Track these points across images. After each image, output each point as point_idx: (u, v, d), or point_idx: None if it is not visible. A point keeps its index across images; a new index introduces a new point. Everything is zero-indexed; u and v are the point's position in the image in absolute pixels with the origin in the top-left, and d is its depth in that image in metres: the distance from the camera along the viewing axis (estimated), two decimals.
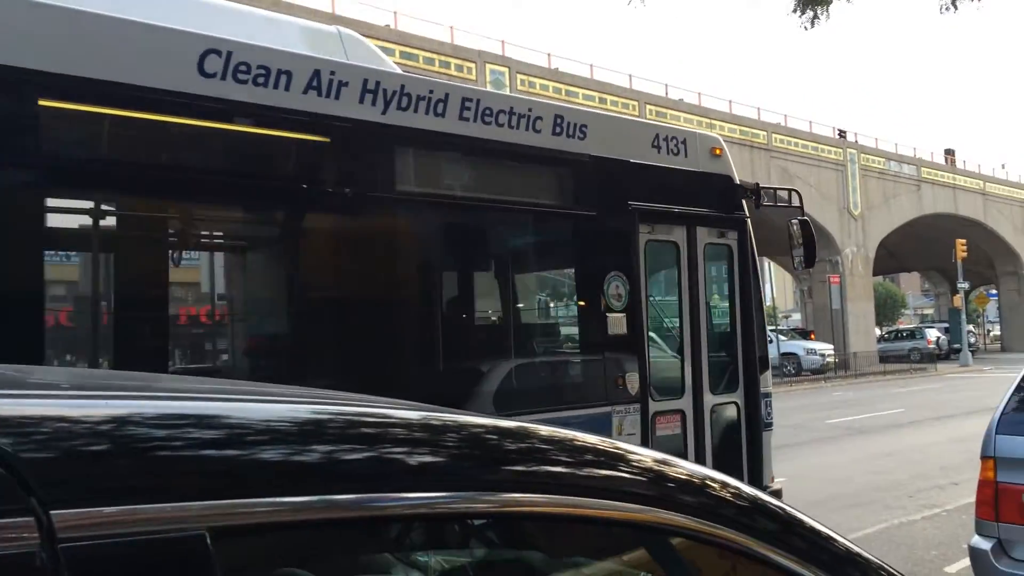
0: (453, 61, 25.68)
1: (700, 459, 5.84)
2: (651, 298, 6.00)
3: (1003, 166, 51.65)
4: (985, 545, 4.39)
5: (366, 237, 4.76)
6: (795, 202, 6.63)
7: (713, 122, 33.38)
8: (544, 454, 1.27)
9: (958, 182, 46.38)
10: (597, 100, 29.35)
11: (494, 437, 1.24)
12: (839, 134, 40.84)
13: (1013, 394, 4.64)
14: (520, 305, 5.82)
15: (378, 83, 4.57)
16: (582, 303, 5.78)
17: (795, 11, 8.28)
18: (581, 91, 28.92)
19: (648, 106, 31.12)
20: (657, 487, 1.30)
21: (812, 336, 39.21)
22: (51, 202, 3.94)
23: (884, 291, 68.38)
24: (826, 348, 35.73)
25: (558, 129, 5.36)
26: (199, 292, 4.86)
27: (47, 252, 3.84)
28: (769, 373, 6.71)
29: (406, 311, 4.99)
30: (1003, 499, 4.35)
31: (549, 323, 5.97)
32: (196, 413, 1.04)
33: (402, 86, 4.67)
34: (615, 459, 1.31)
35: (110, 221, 4.43)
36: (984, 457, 4.47)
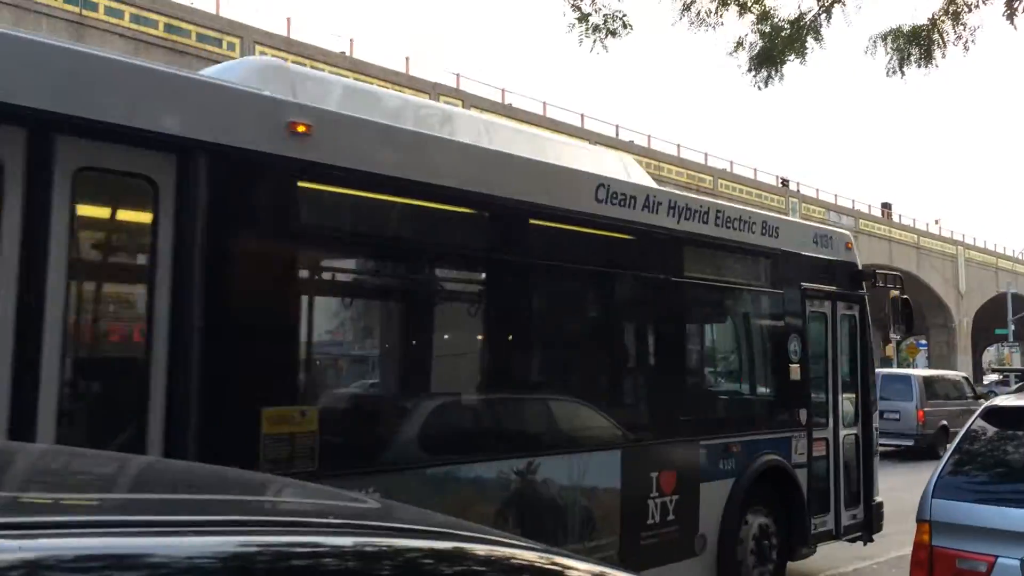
0: (408, 92, 25.67)
1: (837, 473, 7.86)
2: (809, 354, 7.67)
3: (936, 222, 53.34)
4: None
5: (676, 306, 6.74)
6: (897, 284, 8.74)
7: (661, 165, 33.93)
8: None
9: (893, 235, 47.82)
10: None
11: (430, 562, 1.18)
12: (782, 183, 41.84)
13: (950, 456, 4.72)
14: (742, 355, 7.76)
15: (675, 202, 6.60)
16: (773, 356, 7.55)
17: (749, 71, 8.48)
18: (533, 128, 29.17)
19: (599, 146, 31.53)
20: None
21: None
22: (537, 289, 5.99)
23: None
24: None
25: (764, 231, 7.36)
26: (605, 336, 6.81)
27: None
28: (874, 412, 8.57)
29: (697, 355, 7.19)
30: (937, 563, 4.40)
31: (757, 369, 7.80)
32: (111, 553, 0.95)
33: (687, 204, 6.68)
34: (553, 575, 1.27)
35: (566, 297, 6.40)
36: (920, 520, 4.52)
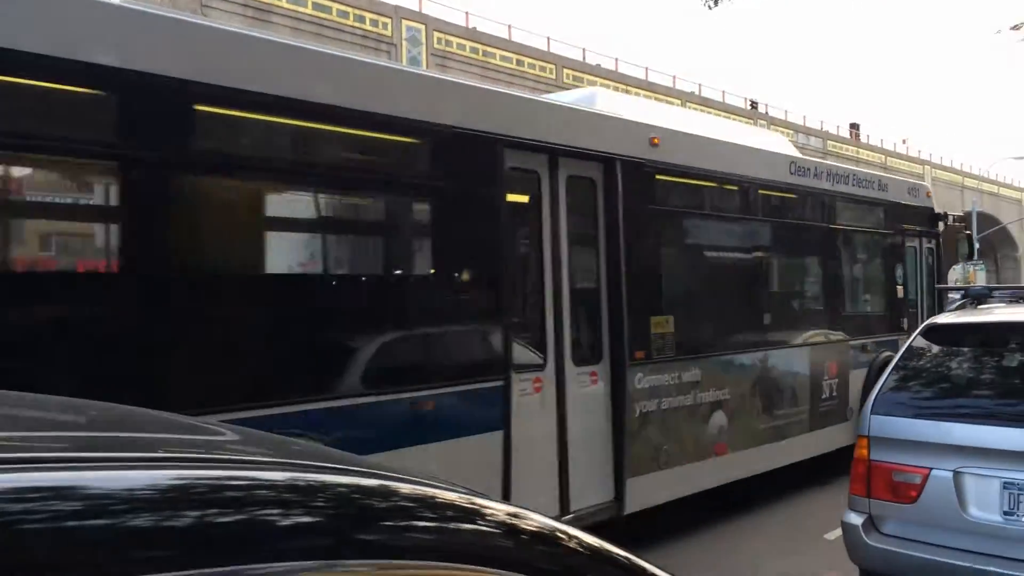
0: (368, 15, 25.07)
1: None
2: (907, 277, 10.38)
3: (904, 141, 53.55)
4: (856, 520, 4.58)
5: (834, 246, 9.35)
6: (965, 224, 11.80)
7: (629, 88, 33.57)
8: (408, 514, 1.25)
9: (861, 155, 47.98)
10: (514, 62, 29.14)
11: (359, 497, 1.22)
12: (751, 105, 41.64)
13: (890, 373, 4.82)
14: (869, 280, 10.24)
15: (829, 170, 9.41)
16: (886, 280, 10.14)
17: None
18: (498, 52, 28.65)
19: (565, 70, 31.06)
20: (516, 543, 1.33)
21: None
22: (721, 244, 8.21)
23: None
24: None
25: (879, 187, 9.94)
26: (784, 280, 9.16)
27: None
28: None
29: (846, 281, 9.74)
30: (875, 476, 4.54)
31: (879, 290, 10.30)
32: (49, 485, 0.97)
33: (836, 171, 9.47)
34: (474, 515, 1.32)
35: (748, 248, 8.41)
36: (859, 435, 4.64)
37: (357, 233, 5.55)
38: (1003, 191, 64.07)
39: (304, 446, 1.81)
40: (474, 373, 5.40)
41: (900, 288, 10.28)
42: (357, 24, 24.78)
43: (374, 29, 25.21)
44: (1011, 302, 5.56)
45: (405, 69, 7.10)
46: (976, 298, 5.38)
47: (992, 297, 5.54)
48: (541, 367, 5.96)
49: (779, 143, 9.84)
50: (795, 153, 9.55)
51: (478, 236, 5.59)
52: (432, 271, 5.53)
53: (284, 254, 5.06)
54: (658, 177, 7.04)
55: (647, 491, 6.64)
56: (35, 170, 4.09)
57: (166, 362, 4.14)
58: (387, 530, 1.20)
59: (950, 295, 10.08)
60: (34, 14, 3.72)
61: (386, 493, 1.26)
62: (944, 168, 56.65)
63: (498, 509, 1.36)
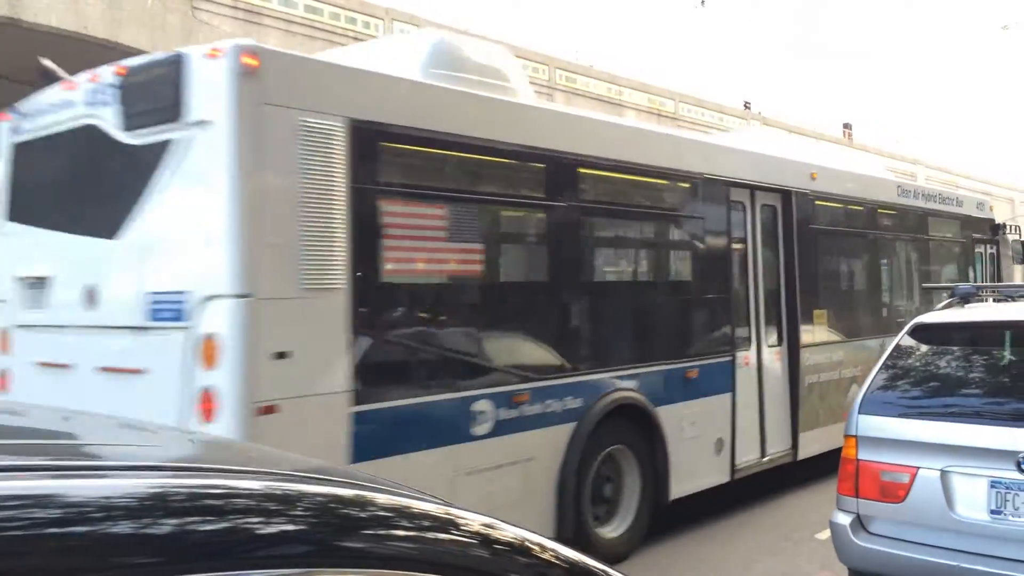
0: (360, 17, 25.03)
1: None
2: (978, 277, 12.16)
3: (897, 142, 53.65)
4: (845, 520, 4.58)
5: (925, 254, 11.24)
6: (1018, 232, 13.54)
7: (623, 89, 33.61)
8: (385, 523, 1.26)
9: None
10: None
11: (336, 506, 1.23)
12: (745, 105, 41.68)
13: (877, 374, 4.82)
14: (931, 275, 11.37)
15: (920, 190, 11.45)
16: (960, 279, 11.22)
17: None
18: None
19: (558, 70, 31.06)
20: (491, 553, 1.34)
21: None
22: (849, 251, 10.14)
23: None
24: None
25: (956, 203, 11.92)
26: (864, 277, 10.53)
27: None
28: None
29: (892, 282, 10.80)
30: (863, 476, 4.54)
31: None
32: (30, 494, 0.98)
33: (926, 191, 11.49)
34: (449, 525, 1.33)
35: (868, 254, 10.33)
36: (847, 435, 4.64)
37: (655, 251, 7.80)
38: (993, 190, 64.18)
39: (281, 455, 1.82)
40: (715, 351, 7.57)
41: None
42: (349, 26, 24.75)
43: (366, 31, 25.17)
44: (998, 301, 5.57)
45: (681, 136, 9.16)
46: (963, 297, 5.39)
47: (979, 296, 5.55)
48: (748, 347, 8.05)
49: (878, 167, 11.97)
50: (893, 177, 12.38)
51: (716, 253, 7.79)
52: (691, 278, 7.69)
53: (616, 266, 7.58)
54: (816, 203, 9.07)
55: (809, 444, 8.60)
56: (507, 212, 6.51)
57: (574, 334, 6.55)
58: (364, 539, 1.21)
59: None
60: (523, 122, 6.21)
61: (363, 503, 1.27)
62: (937, 168, 56.75)
63: (472, 519, 1.37)
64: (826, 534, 5.06)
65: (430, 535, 1.29)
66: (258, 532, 1.09)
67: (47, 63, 5.97)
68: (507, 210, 6.40)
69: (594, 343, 6.54)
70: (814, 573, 6.18)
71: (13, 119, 5.86)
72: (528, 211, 6.45)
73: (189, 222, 4.68)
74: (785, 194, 8.52)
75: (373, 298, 5.02)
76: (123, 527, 0.98)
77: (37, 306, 5.59)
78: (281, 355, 4.52)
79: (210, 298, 4.52)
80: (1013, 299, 5.58)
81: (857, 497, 4.56)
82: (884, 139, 60.53)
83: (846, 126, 50.42)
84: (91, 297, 5.16)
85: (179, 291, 4.64)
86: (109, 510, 1.01)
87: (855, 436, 4.59)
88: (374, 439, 4.90)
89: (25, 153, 5.79)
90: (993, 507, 4.11)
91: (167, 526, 1.01)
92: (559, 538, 1.50)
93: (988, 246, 12.74)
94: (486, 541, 1.35)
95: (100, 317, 5.12)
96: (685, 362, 7.16)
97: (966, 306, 5.31)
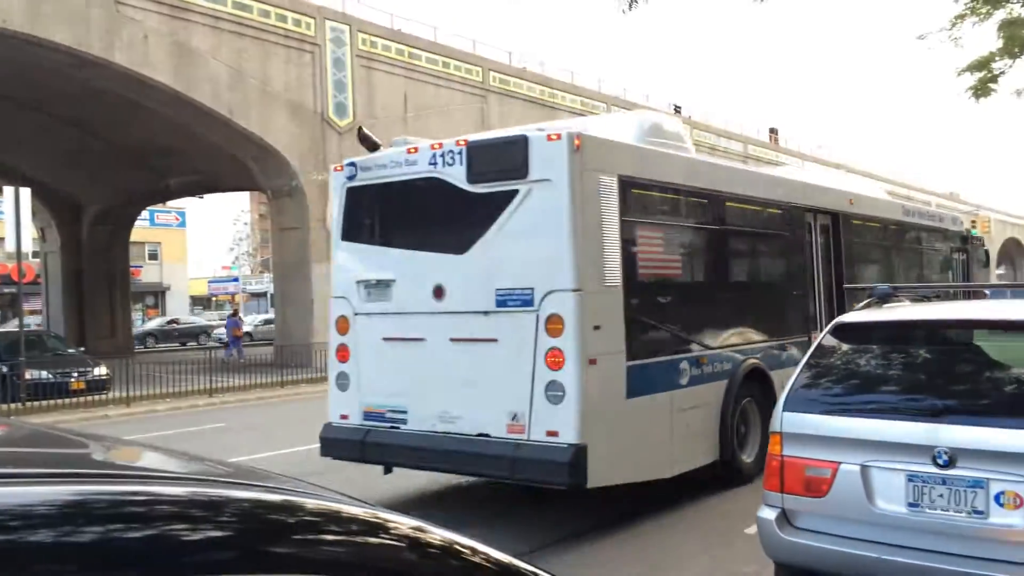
0: (291, 15, 24.69)
1: None
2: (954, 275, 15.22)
3: (820, 146, 55.17)
4: (770, 515, 4.69)
5: (916, 257, 14.14)
6: (983, 242, 17.21)
7: (555, 91, 33.83)
8: (313, 528, 1.25)
9: (780, 160, 49.29)
10: (441, 64, 29.05)
11: (262, 511, 1.22)
12: (675, 109, 42.37)
13: (801, 371, 4.95)
14: (936, 277, 14.24)
15: (915, 209, 14.86)
16: (941, 277, 14.44)
17: None
18: (424, 54, 28.53)
19: (492, 72, 31.10)
20: (421, 556, 1.34)
21: None
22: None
23: None
24: None
25: (940, 220, 15.06)
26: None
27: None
28: None
29: (917, 277, 13.42)
30: (788, 472, 4.65)
31: (941, 283, 14.13)
32: None
33: (920, 210, 15.26)
34: (379, 529, 1.32)
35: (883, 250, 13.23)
36: (772, 432, 4.76)
37: (769, 259, 10.47)
38: (914, 193, 66.57)
39: (207, 461, 1.79)
40: (799, 332, 10.00)
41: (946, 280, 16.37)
42: (279, 24, 24.38)
43: (297, 29, 24.84)
44: (914, 301, 5.77)
45: (785, 177, 11.34)
46: (881, 297, 5.57)
47: (896, 296, 5.75)
48: (816, 329, 9.89)
49: (881, 191, 15.12)
50: (895, 200, 15.29)
51: (799, 259, 10.38)
52: (786, 279, 10.34)
53: (748, 271, 10.15)
54: (853, 221, 11.58)
55: None
56: (694, 233, 8.83)
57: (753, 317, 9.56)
58: (292, 544, 1.19)
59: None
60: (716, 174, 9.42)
61: (290, 508, 1.26)
62: (859, 173, 58.58)
63: (402, 523, 1.37)
64: (754, 529, 5.17)
65: (359, 539, 1.29)
66: (183, 539, 1.07)
67: (366, 131, 8.63)
68: (694, 231, 8.84)
69: (739, 326, 9.22)
70: (742, 568, 6.31)
71: (347, 170, 8.21)
72: (704, 232, 8.93)
73: (532, 243, 6.99)
74: (835, 215, 11.11)
75: (632, 293, 7.43)
76: (42, 536, 0.96)
77: (378, 300, 7.98)
78: (597, 327, 6.96)
79: (551, 292, 6.87)
80: (928, 299, 5.80)
81: (782, 492, 4.67)
82: (808, 144, 62.10)
83: (772, 131, 51.71)
84: (440, 293, 7.52)
85: (527, 287, 6.97)
86: (26, 518, 0.98)
87: (780, 433, 4.70)
88: (637, 383, 7.29)
89: (357, 194, 8.22)
90: (911, 500, 4.26)
91: (88, 534, 1.00)
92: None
93: (961, 253, 15.72)
94: (415, 545, 1.35)
95: (449, 306, 7.47)
96: (784, 339, 9.80)
97: (884, 306, 5.49)
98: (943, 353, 5.08)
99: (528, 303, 6.94)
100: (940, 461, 4.15)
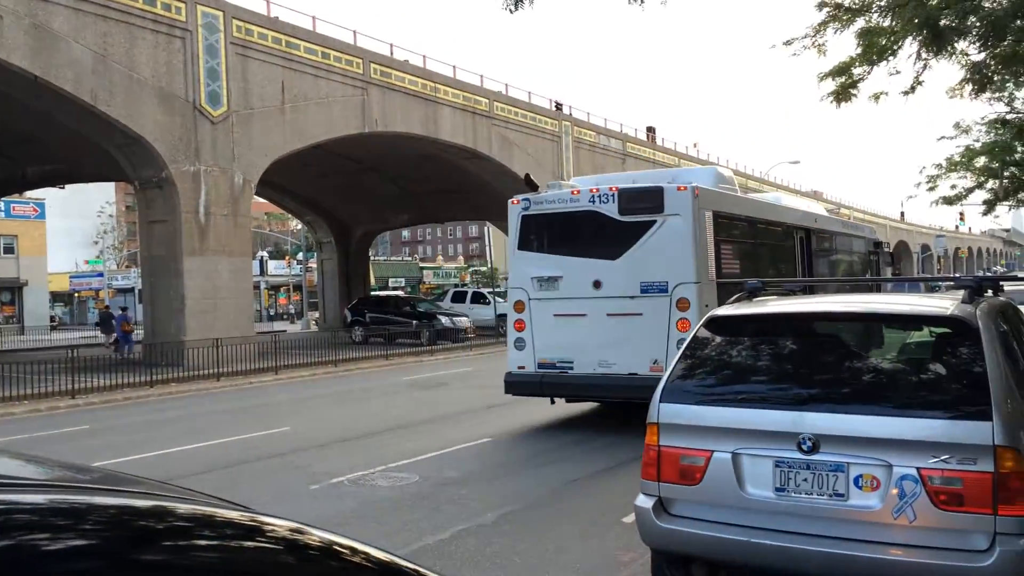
0: (160, 0, 23.60)
1: None
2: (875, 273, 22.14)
3: (695, 145, 57.06)
4: (647, 503, 4.82)
5: (846, 257, 19.62)
6: (887, 247, 26.17)
7: (437, 86, 33.69)
8: (185, 534, 1.22)
9: (657, 157, 50.76)
10: (320, 54, 28.44)
11: (130, 518, 1.18)
12: (556, 106, 42.94)
13: (676, 363, 5.11)
14: (857, 273, 19.68)
15: (849, 223, 22.67)
16: (861, 273, 20.17)
17: None
18: (303, 43, 27.85)
19: (373, 64, 30.69)
20: (300, 559, 1.32)
21: None
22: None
23: None
24: None
25: (857, 229, 21.63)
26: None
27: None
28: None
29: (849, 273, 19.51)
30: (664, 461, 4.79)
31: (858, 277, 19.10)
32: None
33: (851, 223, 23.83)
34: (255, 533, 1.30)
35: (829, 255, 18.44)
36: (649, 423, 4.88)
37: (782, 258, 15.00)
38: (782, 193, 69.79)
39: (69, 467, 1.69)
40: None
41: (865, 275, 20.90)
42: (147, 7, 23.29)
43: (167, 14, 23.79)
44: (783, 295, 6.04)
45: (786, 206, 16.24)
46: (752, 291, 5.80)
47: (766, 290, 6.00)
48: None
49: (819, 207, 20.17)
50: (824, 212, 20.10)
51: (793, 259, 15.02)
52: (791, 272, 14.47)
53: (775, 265, 14.78)
54: (818, 235, 16.52)
55: None
56: (756, 247, 14.52)
57: None
58: (163, 551, 1.16)
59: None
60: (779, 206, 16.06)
61: (161, 514, 1.23)
62: (731, 171, 60.99)
63: (278, 525, 1.34)
64: (631, 518, 5.30)
65: (234, 544, 1.26)
66: (44, 548, 1.03)
67: (532, 178, 13.68)
68: (743, 244, 13.38)
69: None
70: (620, 555, 6.47)
71: (522, 203, 12.41)
72: (748, 244, 13.58)
73: (666, 253, 11.20)
74: (807, 230, 15.98)
75: (720, 284, 11.28)
76: None
77: (549, 289, 12.09)
78: (707, 305, 10.45)
79: (680, 283, 11.09)
80: (795, 293, 6.08)
81: (659, 481, 4.80)
82: (682, 142, 64.09)
83: (650, 129, 53.14)
84: (598, 284, 11.68)
85: (663, 280, 11.08)
86: None
87: (657, 424, 4.83)
88: None
89: (529, 219, 12.43)
90: (778, 485, 4.46)
91: None
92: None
93: (874, 255, 20.74)
94: (293, 547, 1.32)
95: (606, 292, 11.67)
96: None
97: (755, 300, 5.72)
98: (807, 344, 5.33)
99: (663, 290, 11.22)
100: (804, 447, 4.36)
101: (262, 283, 62.35)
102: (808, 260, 15.73)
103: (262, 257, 64.44)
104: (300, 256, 58.75)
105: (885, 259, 21.52)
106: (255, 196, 30.69)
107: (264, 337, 27.11)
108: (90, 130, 23.84)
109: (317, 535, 1.36)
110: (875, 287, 17.16)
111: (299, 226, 59.05)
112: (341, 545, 1.37)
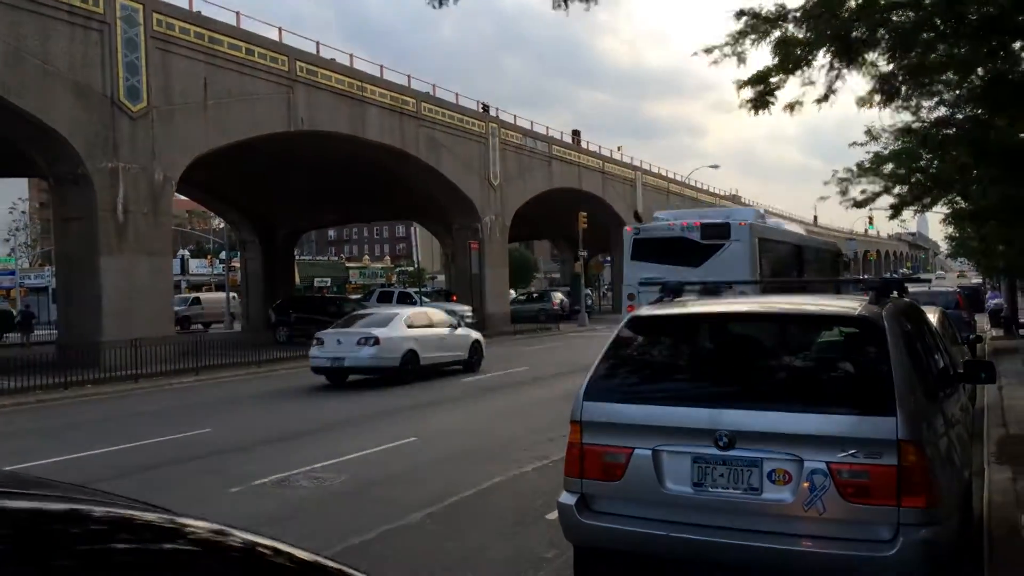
0: None
1: None
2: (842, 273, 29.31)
3: (619, 149, 57.83)
4: (570, 500, 4.90)
5: (814, 263, 24.06)
6: (847, 255, 43.75)
7: (364, 85, 33.41)
8: (101, 537, 1.20)
9: (582, 160, 51.26)
10: (244, 51, 27.91)
11: (44, 522, 1.16)
12: (483, 108, 43.01)
13: (600, 362, 5.20)
14: (828, 275, 25.46)
15: (809, 236, 27.58)
16: (831, 274, 25.70)
17: None
18: (226, 39, 27.28)
19: (299, 62, 30.25)
20: (221, 560, 1.31)
21: (454, 298, 41.28)
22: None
23: (519, 256, 73.94)
24: (466, 309, 37.87)
25: (825, 245, 28.01)
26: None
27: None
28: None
29: (818, 275, 24.32)
30: (587, 458, 4.88)
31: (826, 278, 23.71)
32: None
33: (811, 236, 30.31)
34: (175, 535, 1.29)
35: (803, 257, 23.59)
36: (572, 421, 4.97)
37: (791, 267, 21.40)
38: (701, 196, 71.29)
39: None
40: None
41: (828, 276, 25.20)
42: None
43: (84, 6, 23.01)
44: (701, 295, 6.21)
45: (789, 229, 23.19)
46: (673, 291, 5.94)
47: (687, 290, 6.16)
48: None
49: (801, 229, 25.82)
50: (801, 231, 25.59)
51: (795, 267, 21.66)
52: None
53: (788, 272, 21.08)
54: (808, 248, 23.36)
55: None
56: (777, 258, 20.83)
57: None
58: (78, 556, 1.14)
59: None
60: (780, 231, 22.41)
61: (76, 518, 1.21)
62: (653, 174, 61.97)
63: (200, 527, 1.34)
64: (556, 514, 5.38)
65: (152, 547, 1.25)
66: None
67: (637, 212, 35.31)
68: (773, 257, 19.54)
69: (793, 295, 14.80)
70: (543, 552, 6.55)
71: (634, 230, 19.64)
72: (774, 257, 19.73)
73: (730, 264, 17.52)
74: (798, 246, 22.13)
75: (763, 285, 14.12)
76: None
77: (650, 286, 14.70)
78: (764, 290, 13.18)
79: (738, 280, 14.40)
80: (714, 294, 6.26)
81: (582, 478, 4.89)
82: (607, 146, 64.84)
83: (575, 133, 53.66)
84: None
85: (732, 280, 11.59)
86: None
87: (580, 422, 4.92)
88: None
89: (639, 241, 19.18)
90: (696, 480, 4.60)
91: None
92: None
93: (835, 262, 26.19)
94: (214, 548, 1.32)
95: (698, 276, 15.05)
96: None
97: (676, 300, 5.87)
98: (725, 343, 5.50)
99: (729, 287, 13.46)
100: (721, 443, 4.50)
101: (183, 282, 60.86)
102: (800, 267, 22.03)
103: (183, 256, 62.90)
104: (223, 255, 57.52)
105: (844, 264, 27.88)
106: (177, 194, 29.93)
107: (185, 337, 26.44)
108: (1, 123, 22.92)
109: (239, 536, 1.36)
110: (800, 289, 18.00)
111: (222, 224, 57.81)
112: (264, 546, 1.37)
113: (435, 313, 22.66)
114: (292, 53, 30.22)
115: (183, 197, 45.76)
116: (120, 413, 16.18)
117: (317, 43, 32.36)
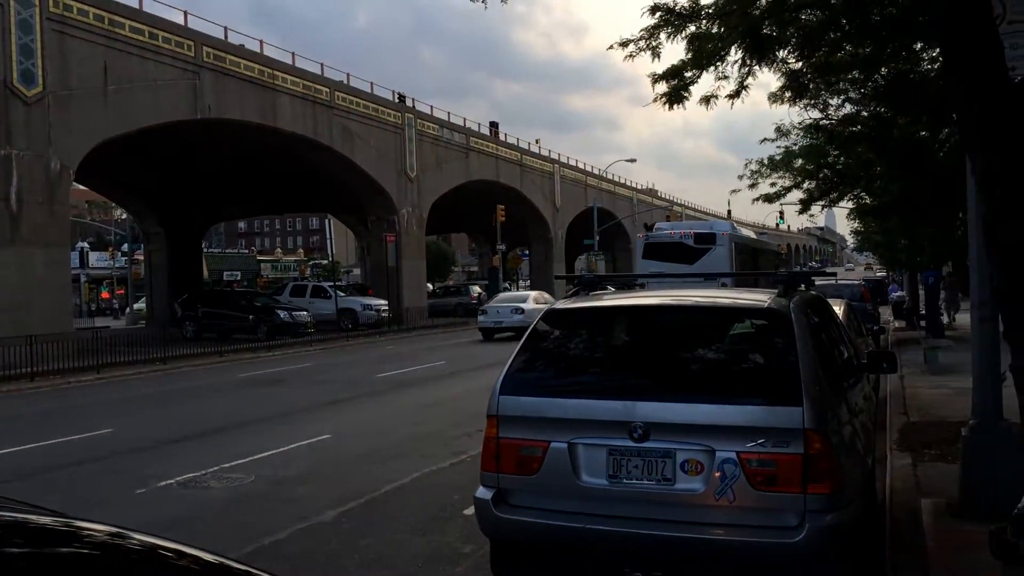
0: None
1: None
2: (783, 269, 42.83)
3: (536, 142, 58.14)
4: (487, 495, 4.87)
5: (755, 261, 34.21)
6: (784, 254, 75.43)
7: (276, 73, 32.67)
8: None
9: (500, 153, 51.32)
10: (147, 35, 26.91)
11: None
12: (399, 98, 42.56)
13: (516, 356, 5.17)
14: (772, 269, 35.42)
15: (760, 239, 44.78)
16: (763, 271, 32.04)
17: None
18: (128, 22, 26.25)
19: (206, 48, 29.36)
20: (121, 563, 1.27)
21: (370, 292, 40.86)
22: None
23: (436, 250, 73.62)
24: (381, 304, 37.55)
25: (768, 242, 48.59)
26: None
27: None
28: None
29: (753, 268, 33.52)
30: (503, 453, 4.85)
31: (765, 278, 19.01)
32: None
33: (761, 239, 47.63)
34: (71, 538, 1.24)
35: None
36: (489, 416, 4.93)
37: (754, 265, 32.55)
38: (618, 190, 72.31)
39: None
40: None
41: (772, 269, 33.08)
42: None
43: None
44: (618, 289, 6.24)
45: (753, 236, 40.91)
46: (588, 285, 5.96)
47: (602, 285, 6.19)
48: None
49: (752, 233, 41.52)
50: (753, 235, 40.67)
51: (756, 265, 32.51)
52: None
53: (753, 267, 31.97)
54: (763, 250, 37.13)
55: None
56: (745, 256, 32.28)
57: None
58: None
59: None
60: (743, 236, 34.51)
61: None
62: (570, 168, 62.50)
63: (97, 531, 1.28)
64: (472, 510, 5.34)
65: (47, 551, 1.20)
66: None
67: (647, 224, 42.88)
68: (744, 257, 30.19)
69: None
70: (460, 547, 6.50)
71: (646, 236, 30.54)
72: (745, 256, 30.65)
73: (717, 262, 26.81)
74: (754, 248, 34.45)
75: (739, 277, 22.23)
76: None
77: (658, 277, 16.09)
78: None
79: (725, 275, 22.54)
80: (630, 287, 6.30)
81: (498, 473, 4.86)
82: (525, 139, 65.12)
83: (493, 125, 53.66)
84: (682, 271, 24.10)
85: (717, 273, 22.77)
86: None
87: (496, 416, 4.88)
88: None
89: (650, 245, 29.12)
90: (611, 472, 4.62)
91: None
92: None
93: (777, 259, 36.63)
94: (113, 552, 1.27)
95: (692, 271, 24.20)
96: None
97: (591, 293, 5.89)
98: (638, 336, 5.54)
99: (713, 278, 16.15)
100: (636, 435, 4.53)
101: (82, 276, 58.52)
102: (756, 262, 29.52)
103: (82, 248, 60.45)
104: (125, 247, 55.51)
105: (782, 261, 36.69)
106: (75, 183, 28.71)
107: (85, 334, 25.41)
108: None
109: (138, 539, 1.31)
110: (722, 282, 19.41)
111: (124, 215, 55.74)
112: (166, 549, 1.32)
113: (543, 295, 33.99)
114: (198, 38, 29.31)
115: (82, 187, 44.01)
116: (15, 414, 15.43)
117: (225, 28, 31.49)
